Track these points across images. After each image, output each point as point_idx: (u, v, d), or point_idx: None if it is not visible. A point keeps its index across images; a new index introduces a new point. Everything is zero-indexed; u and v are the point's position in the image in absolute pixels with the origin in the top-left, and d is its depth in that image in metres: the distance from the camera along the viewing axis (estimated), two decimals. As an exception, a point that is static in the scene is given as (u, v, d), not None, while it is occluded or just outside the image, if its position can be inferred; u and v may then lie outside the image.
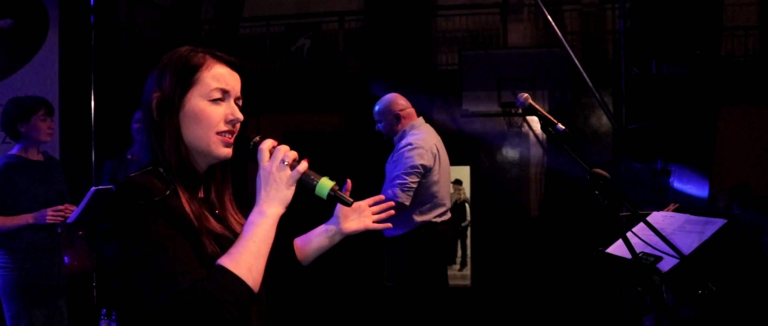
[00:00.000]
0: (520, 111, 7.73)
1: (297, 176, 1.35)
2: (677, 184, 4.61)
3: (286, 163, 1.35)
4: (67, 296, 3.61)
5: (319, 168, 1.40)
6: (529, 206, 8.77)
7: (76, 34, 6.03)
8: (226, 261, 1.28)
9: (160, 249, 1.26)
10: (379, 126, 3.97)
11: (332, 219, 1.72)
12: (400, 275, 3.90)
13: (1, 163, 3.36)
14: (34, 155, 3.47)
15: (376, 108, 3.96)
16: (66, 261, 3.55)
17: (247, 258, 1.28)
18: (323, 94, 9.17)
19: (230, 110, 1.42)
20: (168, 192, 1.33)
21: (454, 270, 10.47)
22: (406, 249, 3.83)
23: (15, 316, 3.30)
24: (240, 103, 1.46)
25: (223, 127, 1.41)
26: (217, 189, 1.52)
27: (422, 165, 3.70)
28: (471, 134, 8.48)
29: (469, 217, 10.40)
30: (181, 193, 1.37)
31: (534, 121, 8.46)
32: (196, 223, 1.34)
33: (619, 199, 1.95)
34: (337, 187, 1.37)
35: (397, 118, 3.89)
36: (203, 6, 9.94)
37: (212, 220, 1.42)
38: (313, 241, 1.73)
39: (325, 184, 1.36)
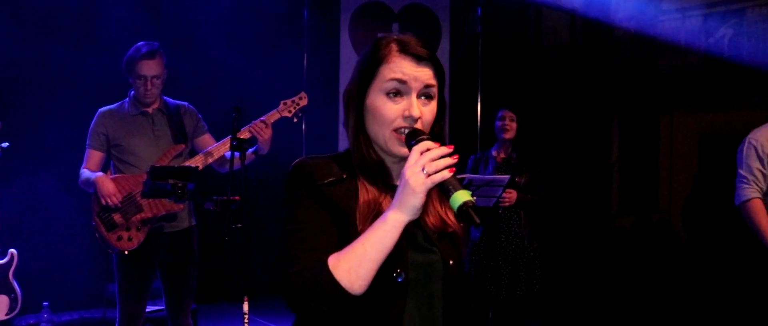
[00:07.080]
0: None
1: (429, 184, 1.26)
2: None
3: (426, 170, 1.26)
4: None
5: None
6: None
7: (468, 42, 6.61)
8: (332, 258, 1.29)
9: (298, 231, 1.34)
10: None
11: None
12: None
13: None
14: None
15: None
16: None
17: (350, 260, 1.27)
18: (749, 89, 8.26)
19: (408, 105, 1.37)
20: (334, 178, 1.38)
21: None
22: None
23: None
24: (432, 91, 1.40)
25: (402, 123, 1.38)
26: None
27: None
28: None
29: None
30: (361, 182, 1.40)
31: None
32: (350, 214, 1.36)
33: None
34: (471, 203, 1.25)
35: None
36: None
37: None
38: None
39: (460, 197, 1.26)
